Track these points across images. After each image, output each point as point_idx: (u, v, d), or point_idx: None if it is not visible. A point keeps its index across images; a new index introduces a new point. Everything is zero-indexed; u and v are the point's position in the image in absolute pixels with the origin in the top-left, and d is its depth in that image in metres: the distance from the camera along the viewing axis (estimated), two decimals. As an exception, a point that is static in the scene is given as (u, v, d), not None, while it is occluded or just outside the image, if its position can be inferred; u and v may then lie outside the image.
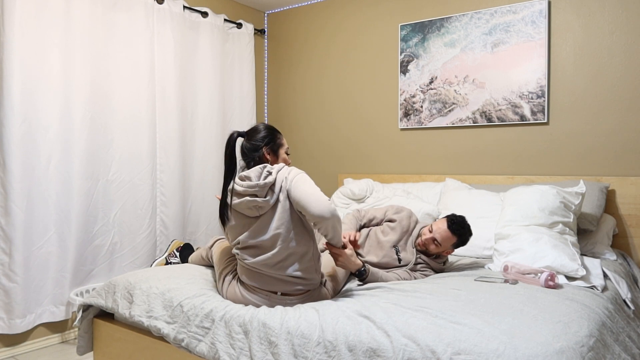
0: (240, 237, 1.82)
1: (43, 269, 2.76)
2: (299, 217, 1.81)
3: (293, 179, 1.78)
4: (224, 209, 1.87)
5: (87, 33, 2.91)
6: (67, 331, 2.98)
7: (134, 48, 3.16)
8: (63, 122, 2.82)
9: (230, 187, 1.85)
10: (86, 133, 2.92)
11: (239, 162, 1.91)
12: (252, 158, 1.89)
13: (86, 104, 2.91)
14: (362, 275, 2.02)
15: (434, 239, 2.23)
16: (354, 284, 2.10)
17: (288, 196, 1.78)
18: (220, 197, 1.93)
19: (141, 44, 3.19)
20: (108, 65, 3.04)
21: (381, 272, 2.11)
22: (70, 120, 2.85)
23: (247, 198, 1.76)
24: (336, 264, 1.93)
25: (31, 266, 2.71)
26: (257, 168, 1.81)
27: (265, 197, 1.76)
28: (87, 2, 2.91)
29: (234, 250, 1.87)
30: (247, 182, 1.78)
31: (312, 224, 1.77)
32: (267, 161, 1.91)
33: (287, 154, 1.98)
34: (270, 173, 1.79)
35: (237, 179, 1.84)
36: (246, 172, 1.82)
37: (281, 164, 1.85)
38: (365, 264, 2.03)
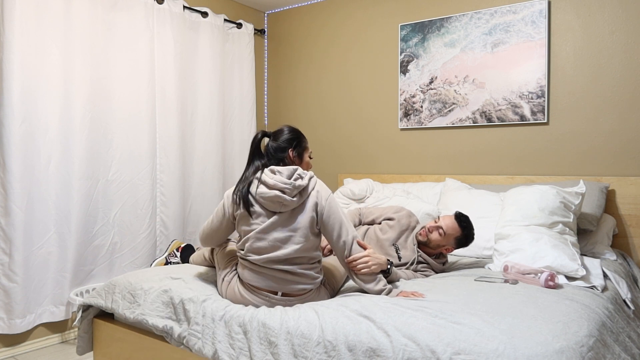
0: (251, 231, 1.81)
1: (43, 269, 2.76)
2: (316, 229, 1.84)
3: (327, 205, 1.83)
4: (247, 196, 1.83)
5: (87, 33, 2.91)
6: (67, 331, 2.98)
7: (134, 48, 3.16)
8: (63, 122, 2.82)
9: (258, 175, 1.85)
10: (86, 133, 2.92)
11: (260, 161, 1.92)
12: (277, 158, 1.91)
13: (86, 104, 2.91)
14: (388, 271, 1.98)
15: (438, 227, 2.23)
16: (353, 283, 2.10)
17: (316, 213, 1.82)
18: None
19: (141, 44, 3.19)
20: (108, 65, 3.04)
21: (396, 269, 2.10)
22: (70, 120, 2.85)
23: (276, 192, 1.77)
24: (367, 270, 1.83)
25: (31, 266, 2.71)
26: (290, 168, 1.84)
27: (293, 197, 1.79)
28: (87, 2, 2.91)
29: (238, 245, 1.87)
30: (279, 177, 1.80)
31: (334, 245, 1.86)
32: (291, 163, 1.93)
33: (310, 158, 2.02)
34: (300, 177, 1.83)
35: (267, 171, 1.84)
36: (278, 167, 1.84)
37: (311, 172, 1.89)
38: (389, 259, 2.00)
